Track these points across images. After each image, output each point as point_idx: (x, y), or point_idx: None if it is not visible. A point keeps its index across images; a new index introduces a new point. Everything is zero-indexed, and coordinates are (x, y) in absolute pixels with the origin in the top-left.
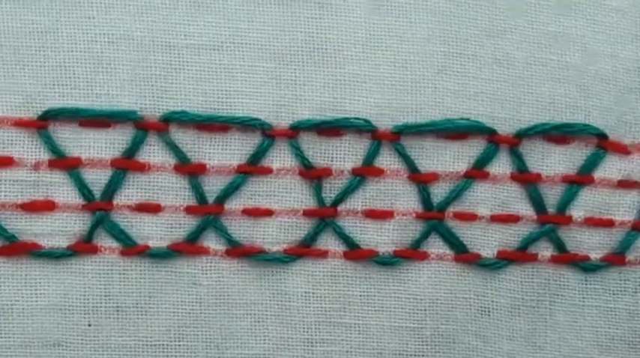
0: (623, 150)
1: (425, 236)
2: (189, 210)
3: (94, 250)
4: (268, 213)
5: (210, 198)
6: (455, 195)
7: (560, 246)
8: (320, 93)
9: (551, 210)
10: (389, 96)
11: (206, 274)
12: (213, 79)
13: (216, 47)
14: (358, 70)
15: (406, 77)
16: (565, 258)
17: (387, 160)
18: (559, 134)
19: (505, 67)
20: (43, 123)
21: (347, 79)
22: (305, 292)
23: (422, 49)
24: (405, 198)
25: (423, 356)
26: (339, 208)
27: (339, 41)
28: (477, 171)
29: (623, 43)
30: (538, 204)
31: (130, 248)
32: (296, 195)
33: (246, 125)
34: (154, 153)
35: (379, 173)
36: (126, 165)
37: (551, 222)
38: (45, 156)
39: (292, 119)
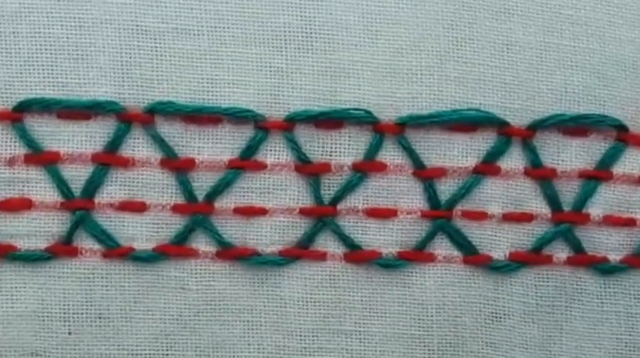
0: None
1: (431, 236)
2: (176, 208)
3: (74, 252)
4: (262, 211)
5: (200, 196)
6: (463, 193)
7: (576, 247)
8: (313, 82)
9: (567, 208)
10: (389, 85)
11: (195, 278)
12: (198, 66)
13: (200, 31)
14: (355, 56)
15: (407, 64)
16: (582, 259)
17: (390, 155)
18: (575, 126)
19: (516, 52)
20: (17, 115)
21: (343, 65)
22: (302, 297)
23: (424, 34)
24: (409, 196)
25: None
26: (338, 206)
27: (333, 24)
28: (488, 166)
29: None
30: (553, 201)
31: (113, 250)
32: (292, 192)
33: (238, 117)
34: (138, 147)
35: (382, 168)
36: (108, 160)
37: (567, 221)
38: (20, 150)
39: (284, 110)
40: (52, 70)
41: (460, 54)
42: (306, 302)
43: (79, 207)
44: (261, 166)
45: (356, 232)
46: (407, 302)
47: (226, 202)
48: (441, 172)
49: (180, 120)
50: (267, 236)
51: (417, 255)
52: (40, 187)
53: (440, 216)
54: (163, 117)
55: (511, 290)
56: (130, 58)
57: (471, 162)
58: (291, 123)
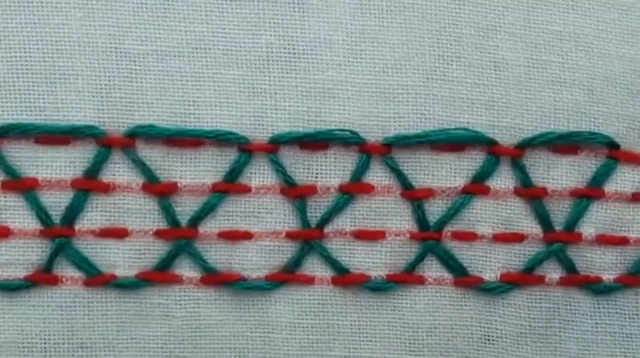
0: (636, 160)
1: (421, 258)
2: (159, 234)
3: (55, 281)
4: (247, 236)
5: (183, 221)
6: (453, 213)
7: (569, 267)
8: (298, 103)
9: (558, 228)
10: (374, 105)
11: (180, 305)
12: (179, 88)
13: (181, 53)
14: (340, 76)
15: (393, 84)
16: (575, 279)
17: (377, 176)
18: (565, 144)
19: (503, 70)
20: None
21: (327, 86)
22: (289, 322)
23: (410, 53)
24: (398, 217)
25: None
26: (325, 229)
27: (317, 44)
28: (477, 186)
29: (631, 43)
30: (544, 221)
31: (95, 278)
32: (278, 215)
33: (221, 139)
34: (119, 171)
35: (369, 190)
36: (88, 185)
37: (559, 241)
38: None
39: (268, 132)
40: (30, 94)
41: (447, 72)
42: (294, 327)
43: (59, 234)
44: (246, 189)
45: (344, 255)
46: (397, 326)
47: (210, 227)
48: (430, 193)
49: (162, 144)
50: (253, 260)
51: (407, 277)
52: (18, 215)
53: (429, 238)
54: (144, 141)
55: (503, 312)
56: (109, 81)
57: (460, 182)
58: (275, 145)
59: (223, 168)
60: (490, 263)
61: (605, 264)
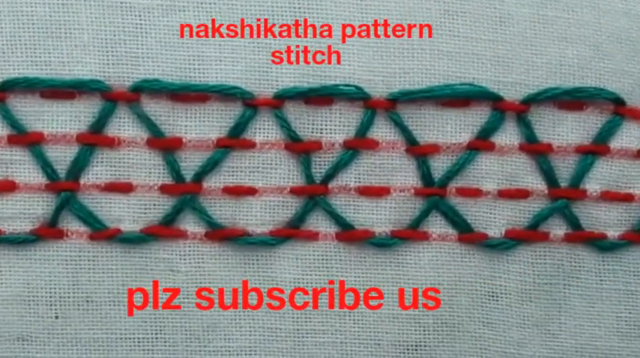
0: None
1: (425, 214)
2: (164, 189)
3: (60, 235)
4: (252, 191)
5: (188, 176)
6: (457, 169)
7: (574, 224)
8: (303, 58)
9: (563, 184)
10: (380, 60)
11: (184, 260)
12: (184, 43)
13: (186, 8)
14: (345, 31)
15: (398, 38)
16: (580, 236)
17: (382, 131)
18: (571, 99)
19: (509, 25)
20: (0, 95)
21: (332, 41)
22: (294, 278)
23: (416, 7)
24: (402, 173)
25: (425, 346)
26: (330, 185)
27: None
28: (482, 142)
29: None
30: (549, 177)
31: (100, 232)
32: (282, 171)
33: (226, 94)
34: (124, 126)
35: (374, 146)
36: (93, 140)
37: (564, 197)
38: (3, 131)
39: (273, 87)
40: (35, 49)
41: (452, 28)
42: (299, 282)
43: (64, 188)
44: (251, 145)
45: (348, 211)
46: (401, 282)
47: (215, 182)
48: (435, 149)
49: (167, 99)
50: (258, 216)
51: (411, 233)
52: (24, 168)
53: (434, 194)
54: (149, 96)
55: (507, 269)
56: (115, 35)
57: (465, 137)
58: (280, 100)
59: (228, 123)
60: (495, 219)
61: (610, 221)
